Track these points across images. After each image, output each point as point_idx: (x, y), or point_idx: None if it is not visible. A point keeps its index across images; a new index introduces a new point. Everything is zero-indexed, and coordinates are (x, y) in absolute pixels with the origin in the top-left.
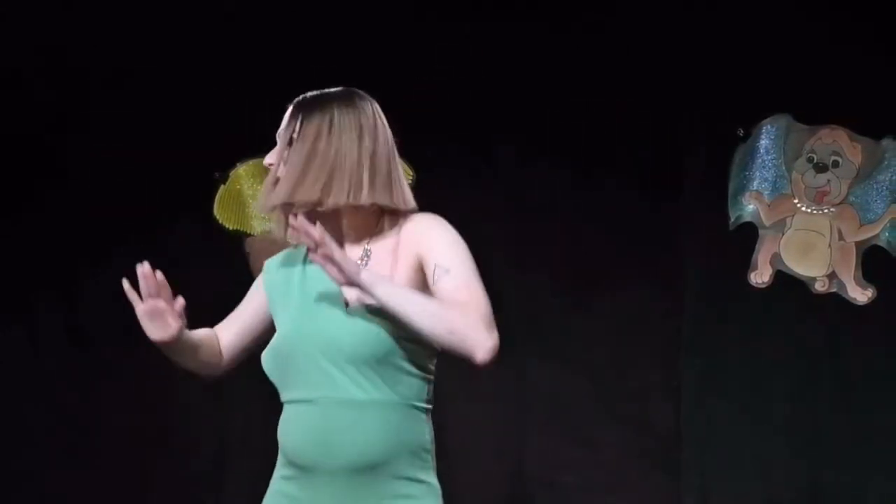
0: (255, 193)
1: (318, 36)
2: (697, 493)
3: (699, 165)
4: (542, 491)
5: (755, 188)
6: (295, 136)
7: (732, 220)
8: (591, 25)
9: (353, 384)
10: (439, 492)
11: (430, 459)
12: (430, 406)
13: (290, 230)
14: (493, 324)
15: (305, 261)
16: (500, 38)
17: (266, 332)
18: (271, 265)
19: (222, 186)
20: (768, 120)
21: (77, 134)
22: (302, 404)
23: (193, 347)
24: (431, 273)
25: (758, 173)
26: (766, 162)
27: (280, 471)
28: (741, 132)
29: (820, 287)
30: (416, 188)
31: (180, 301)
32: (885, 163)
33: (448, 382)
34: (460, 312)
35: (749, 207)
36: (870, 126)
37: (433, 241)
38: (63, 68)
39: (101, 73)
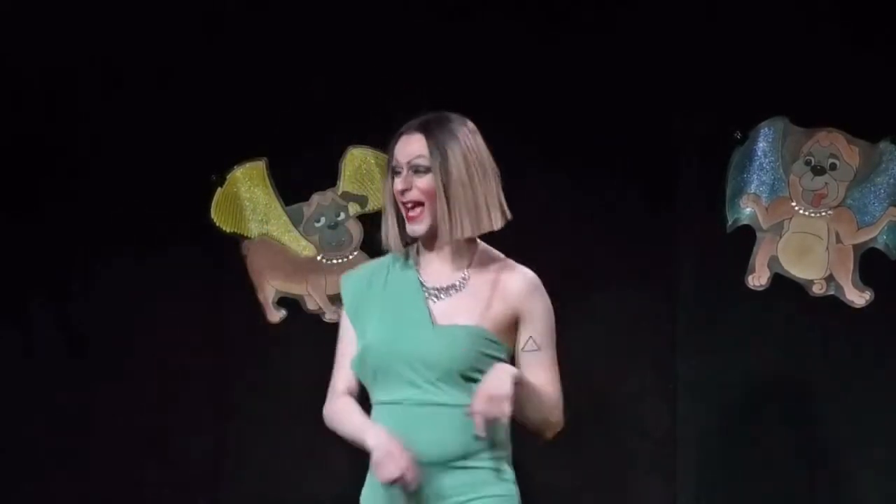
0: (251, 196)
1: (314, 38)
2: (693, 496)
3: (696, 168)
4: (537, 493)
5: (752, 191)
6: (442, 167)
7: (730, 222)
8: (587, 28)
9: (435, 388)
10: (513, 479)
11: (504, 451)
12: None
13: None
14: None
15: (388, 274)
16: (495, 39)
17: None
18: (348, 283)
19: (219, 189)
20: (765, 123)
21: (74, 137)
22: (386, 407)
23: None
24: (524, 340)
25: (755, 176)
26: (764, 165)
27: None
28: (738, 135)
29: (817, 290)
30: None
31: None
32: (883, 165)
33: None
34: (553, 408)
35: (746, 210)
36: (867, 129)
37: (537, 312)
38: (61, 71)
39: (99, 75)
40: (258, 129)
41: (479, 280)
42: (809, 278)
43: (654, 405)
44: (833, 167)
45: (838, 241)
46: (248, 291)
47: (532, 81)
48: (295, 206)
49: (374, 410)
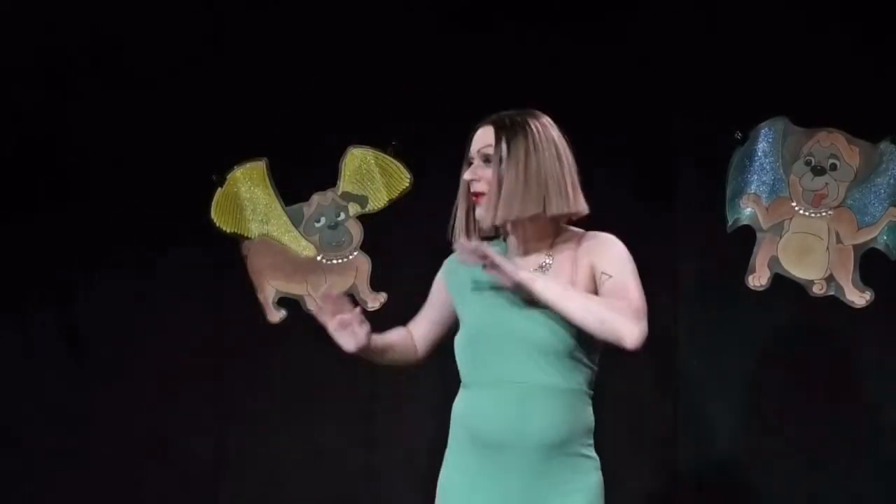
0: (252, 196)
1: (314, 38)
2: (693, 495)
3: (696, 168)
4: None
5: (753, 191)
6: (504, 156)
7: (730, 222)
8: (588, 29)
9: (540, 371)
10: (599, 464)
11: (591, 438)
12: (593, 392)
13: (458, 251)
14: (642, 316)
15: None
16: (496, 40)
17: (453, 325)
18: (452, 265)
19: (219, 189)
20: (766, 123)
21: (74, 137)
22: (491, 388)
23: (385, 349)
24: (599, 278)
25: (755, 176)
26: (764, 165)
27: (458, 451)
28: (739, 135)
29: (818, 290)
30: (415, 193)
31: (357, 311)
32: (883, 166)
33: (447, 383)
34: (610, 306)
35: (747, 210)
36: (867, 129)
37: (604, 253)
38: (61, 71)
39: (100, 75)
40: (258, 129)
41: (562, 259)
42: (810, 278)
43: (654, 405)
44: (833, 167)
45: (838, 241)
46: (248, 291)
47: (532, 82)
48: (295, 207)
49: (472, 395)
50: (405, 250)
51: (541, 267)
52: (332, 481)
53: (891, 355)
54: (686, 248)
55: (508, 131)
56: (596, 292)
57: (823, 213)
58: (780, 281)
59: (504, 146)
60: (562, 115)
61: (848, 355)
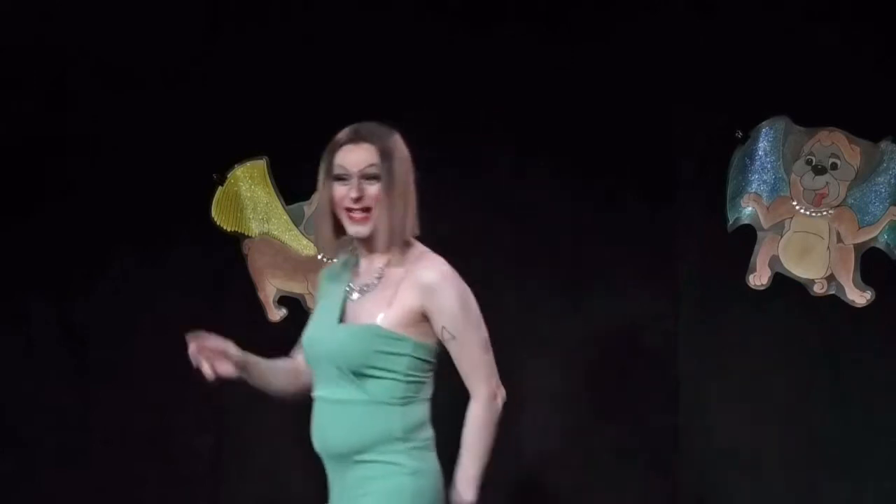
0: (252, 195)
1: (314, 36)
2: (693, 495)
3: (696, 167)
4: (539, 491)
5: (754, 190)
6: (392, 181)
7: (731, 222)
8: (587, 30)
9: (336, 385)
10: (411, 469)
11: (405, 443)
12: (406, 400)
13: None
14: (493, 380)
15: (340, 272)
16: (496, 43)
17: None
18: (321, 277)
19: (220, 188)
20: (767, 122)
21: (75, 136)
22: (315, 402)
23: (263, 373)
24: (440, 330)
25: (756, 176)
26: (765, 164)
27: None
28: (740, 134)
29: (818, 289)
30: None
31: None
32: (884, 165)
33: (447, 382)
34: (478, 425)
35: (747, 210)
36: (868, 128)
37: (444, 304)
38: (62, 70)
39: (100, 74)
40: (259, 127)
41: (391, 277)
42: (810, 278)
43: (654, 405)
44: (834, 167)
45: (839, 240)
46: (248, 290)
47: (533, 82)
48: (295, 205)
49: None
50: None
51: (370, 284)
52: None
53: (891, 355)
54: (686, 248)
55: (387, 149)
56: (412, 325)
57: (824, 213)
58: (781, 280)
59: (390, 170)
60: (561, 115)
61: (848, 355)
